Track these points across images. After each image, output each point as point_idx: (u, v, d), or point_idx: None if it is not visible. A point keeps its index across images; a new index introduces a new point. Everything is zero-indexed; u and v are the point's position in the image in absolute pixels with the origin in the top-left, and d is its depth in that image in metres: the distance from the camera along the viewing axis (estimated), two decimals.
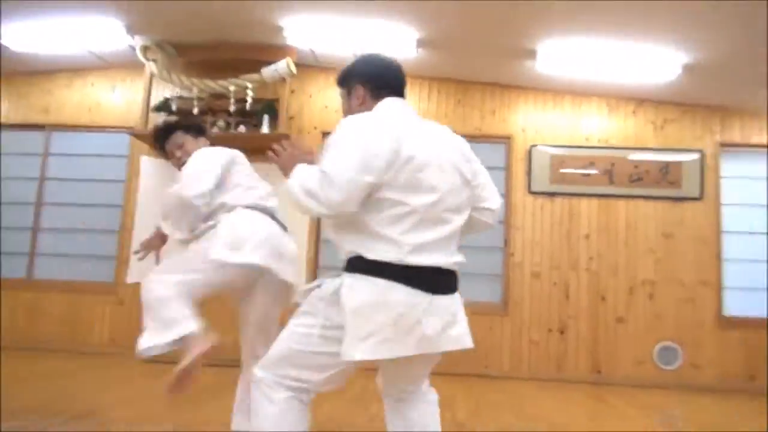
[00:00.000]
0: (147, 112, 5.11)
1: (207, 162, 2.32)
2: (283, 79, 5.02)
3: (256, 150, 5.04)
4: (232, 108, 4.98)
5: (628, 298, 4.95)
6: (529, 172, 5.12)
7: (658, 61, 4.41)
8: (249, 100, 4.96)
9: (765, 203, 5.02)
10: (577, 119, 5.19)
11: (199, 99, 5.06)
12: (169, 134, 2.62)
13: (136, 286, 2.48)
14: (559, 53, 4.48)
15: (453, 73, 5.19)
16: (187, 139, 2.60)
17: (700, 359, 4.83)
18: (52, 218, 5.51)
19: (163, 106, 5.17)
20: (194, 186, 2.20)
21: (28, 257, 5.43)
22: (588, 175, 5.06)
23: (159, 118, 4.84)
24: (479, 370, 4.84)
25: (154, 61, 5.01)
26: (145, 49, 4.99)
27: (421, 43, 4.56)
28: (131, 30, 4.75)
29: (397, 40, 4.54)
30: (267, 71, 4.94)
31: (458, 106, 5.26)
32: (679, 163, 5.02)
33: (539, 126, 5.19)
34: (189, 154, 2.45)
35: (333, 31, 4.55)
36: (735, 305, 4.91)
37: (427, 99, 5.28)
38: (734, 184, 5.08)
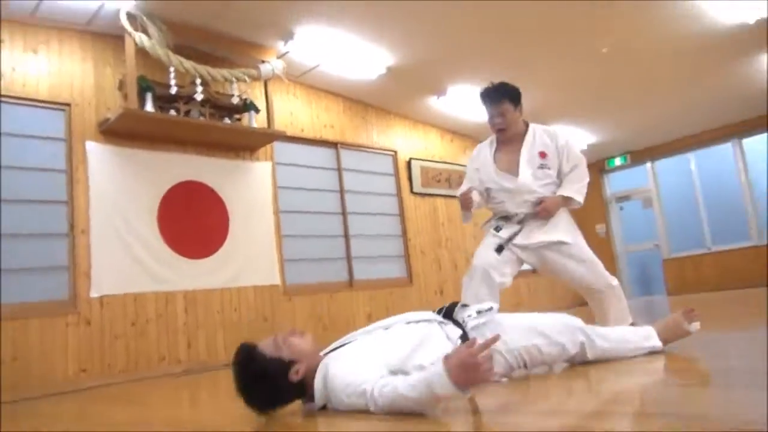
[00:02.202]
0: (137, 91, 4.44)
1: None
2: (271, 78, 5.30)
3: (238, 146, 5.17)
4: (235, 99, 4.95)
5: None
6: None
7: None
8: (240, 93, 5.09)
9: None
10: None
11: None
12: (502, 98, 2.76)
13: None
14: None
15: None
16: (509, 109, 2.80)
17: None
18: None
19: (147, 87, 4.55)
20: None
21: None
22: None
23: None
24: None
25: (146, 33, 4.47)
26: (129, 17, 4.42)
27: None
28: None
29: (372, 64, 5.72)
30: (265, 68, 5.16)
31: None
32: None
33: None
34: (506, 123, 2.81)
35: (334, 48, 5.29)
36: None
37: None
38: None
